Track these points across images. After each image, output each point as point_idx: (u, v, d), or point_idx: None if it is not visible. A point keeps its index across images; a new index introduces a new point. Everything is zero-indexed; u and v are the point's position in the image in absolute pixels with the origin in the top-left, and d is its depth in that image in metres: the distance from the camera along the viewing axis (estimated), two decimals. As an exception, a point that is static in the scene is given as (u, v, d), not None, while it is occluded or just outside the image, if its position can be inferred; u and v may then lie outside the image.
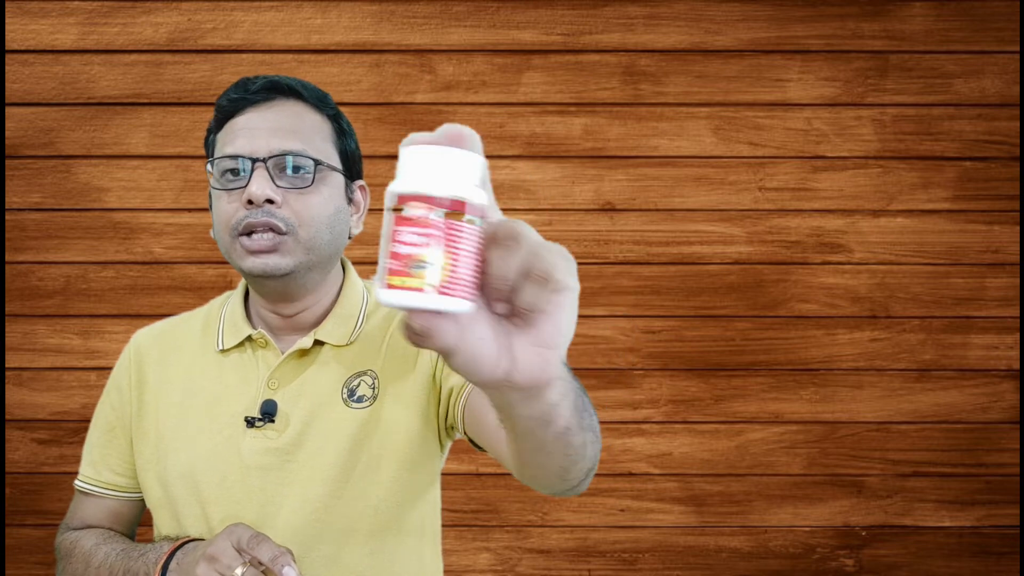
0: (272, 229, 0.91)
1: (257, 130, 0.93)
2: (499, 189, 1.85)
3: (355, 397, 0.97)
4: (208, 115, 1.81)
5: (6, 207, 1.83)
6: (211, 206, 0.99)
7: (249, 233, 0.91)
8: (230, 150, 0.93)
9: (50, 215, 1.84)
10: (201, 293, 1.83)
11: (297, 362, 0.98)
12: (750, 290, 1.86)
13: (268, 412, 0.95)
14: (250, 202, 0.90)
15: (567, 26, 1.84)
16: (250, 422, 0.95)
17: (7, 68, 1.82)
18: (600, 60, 1.84)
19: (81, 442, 1.82)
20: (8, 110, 1.82)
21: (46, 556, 1.86)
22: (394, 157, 1.82)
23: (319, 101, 0.98)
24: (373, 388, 0.98)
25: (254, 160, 0.91)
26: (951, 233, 1.86)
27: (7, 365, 1.84)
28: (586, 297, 1.86)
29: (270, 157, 0.92)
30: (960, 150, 1.85)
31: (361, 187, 1.04)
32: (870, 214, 1.86)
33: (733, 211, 1.86)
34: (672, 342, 1.87)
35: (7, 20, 1.82)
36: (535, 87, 1.84)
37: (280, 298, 0.98)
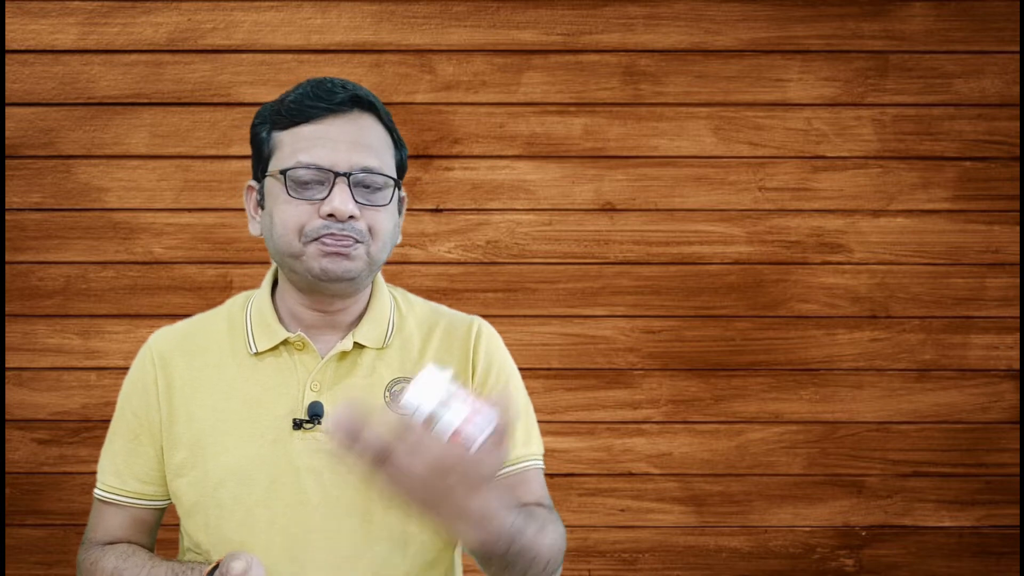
0: (351, 238, 0.93)
1: (338, 142, 0.93)
2: (499, 189, 1.85)
3: (399, 402, 0.98)
4: (208, 115, 1.83)
5: (6, 207, 1.83)
6: (260, 204, 0.99)
7: (319, 238, 0.92)
8: (308, 159, 0.92)
9: (50, 215, 1.84)
10: (201, 293, 1.84)
11: (338, 364, 0.99)
12: (750, 290, 1.87)
13: (316, 414, 0.96)
14: (331, 215, 0.91)
15: (567, 26, 1.84)
16: (297, 424, 0.95)
17: (7, 68, 1.82)
18: (600, 60, 1.84)
19: (82, 442, 1.84)
20: (8, 110, 1.83)
21: (46, 556, 1.86)
22: (394, 157, 1.83)
23: (386, 115, 0.99)
24: None
25: (336, 173, 0.92)
26: (951, 233, 1.86)
27: (7, 365, 1.84)
28: (586, 297, 1.86)
29: (353, 172, 0.92)
30: (960, 150, 1.85)
31: (402, 198, 1.05)
32: (870, 214, 1.86)
33: (733, 211, 1.86)
34: (672, 342, 1.87)
35: (7, 20, 1.82)
36: (535, 87, 1.84)
37: (330, 299, 0.99)
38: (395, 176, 0.98)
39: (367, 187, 0.94)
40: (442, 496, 0.69)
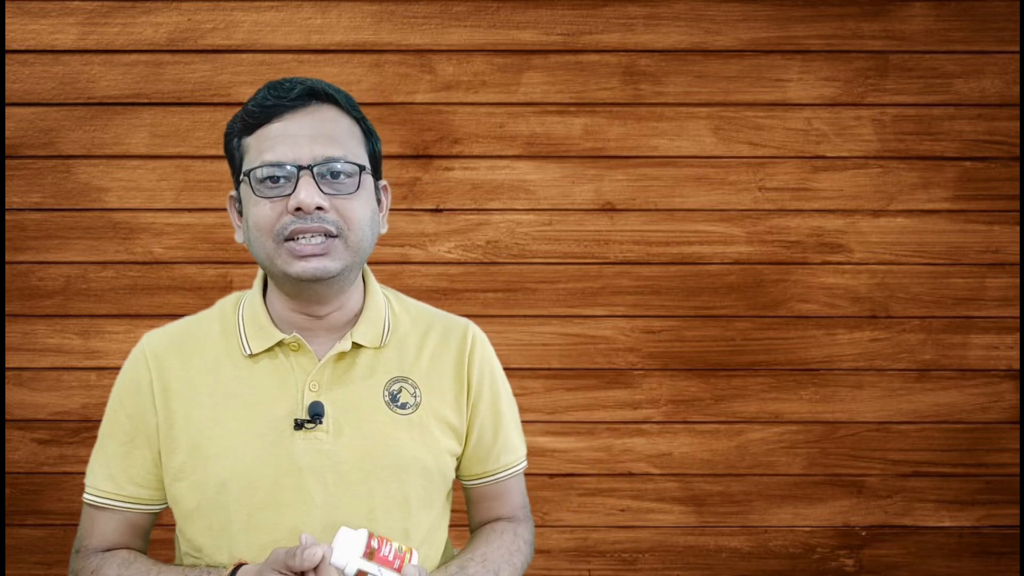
0: (323, 233, 0.92)
1: (298, 137, 0.93)
2: (499, 189, 1.85)
3: (399, 403, 1.00)
4: (208, 115, 1.83)
5: (6, 207, 1.83)
6: (239, 212, 0.99)
7: (293, 237, 0.92)
8: (271, 157, 0.92)
9: (50, 215, 1.84)
10: (201, 293, 1.84)
11: (336, 365, 1.00)
12: (750, 290, 1.87)
13: (317, 414, 0.96)
14: (298, 209, 0.91)
15: (567, 26, 1.84)
16: (299, 424, 0.96)
17: (7, 68, 1.82)
18: (600, 60, 1.84)
19: (82, 442, 1.84)
20: (8, 110, 1.83)
21: (46, 556, 1.86)
22: (395, 157, 1.83)
23: (349, 105, 0.99)
24: (415, 396, 1.02)
25: (299, 167, 0.92)
26: (951, 233, 1.86)
27: (7, 365, 1.84)
28: (586, 297, 1.86)
29: (315, 164, 0.92)
30: (960, 150, 1.85)
31: (384, 187, 1.05)
32: (870, 214, 1.86)
33: (733, 211, 1.86)
34: (672, 342, 1.87)
35: (7, 20, 1.82)
36: (535, 87, 1.84)
37: (318, 300, 0.99)
38: (364, 164, 0.97)
39: (334, 177, 0.94)
40: None
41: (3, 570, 1.84)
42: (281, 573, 0.83)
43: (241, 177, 0.97)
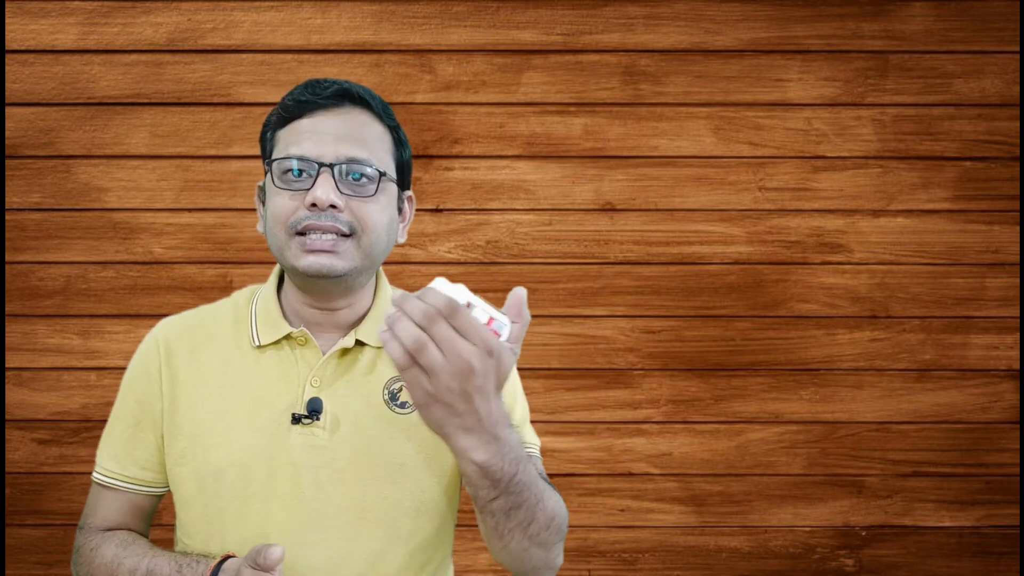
0: (335, 232, 0.93)
1: (325, 134, 0.94)
2: (499, 189, 1.85)
3: (398, 402, 1.00)
4: (208, 115, 1.83)
5: (6, 207, 1.83)
6: (262, 201, 1.01)
7: (305, 232, 0.93)
8: (296, 151, 0.94)
9: (50, 215, 1.84)
10: (201, 293, 1.84)
11: (338, 361, 1.01)
12: (750, 290, 1.87)
13: (315, 410, 0.97)
14: (313, 205, 0.92)
15: (567, 26, 1.84)
16: (296, 419, 0.97)
17: (7, 68, 1.82)
18: (600, 60, 1.84)
19: (82, 442, 1.84)
20: (8, 110, 1.83)
21: (46, 556, 1.86)
22: (394, 157, 1.83)
23: (383, 112, 1.00)
24: None
25: (321, 164, 0.93)
26: (951, 233, 1.86)
27: (7, 365, 1.84)
28: (586, 297, 1.86)
29: (337, 163, 0.93)
30: (960, 150, 1.85)
31: (409, 198, 1.06)
32: (870, 214, 1.86)
33: (733, 211, 1.86)
34: (672, 342, 1.87)
35: (7, 20, 1.82)
36: (535, 87, 1.84)
37: (326, 297, 1.00)
38: (387, 171, 0.98)
39: (356, 179, 0.95)
40: (470, 391, 0.70)
41: (3, 570, 1.84)
42: (253, 569, 0.84)
43: (266, 167, 0.99)
